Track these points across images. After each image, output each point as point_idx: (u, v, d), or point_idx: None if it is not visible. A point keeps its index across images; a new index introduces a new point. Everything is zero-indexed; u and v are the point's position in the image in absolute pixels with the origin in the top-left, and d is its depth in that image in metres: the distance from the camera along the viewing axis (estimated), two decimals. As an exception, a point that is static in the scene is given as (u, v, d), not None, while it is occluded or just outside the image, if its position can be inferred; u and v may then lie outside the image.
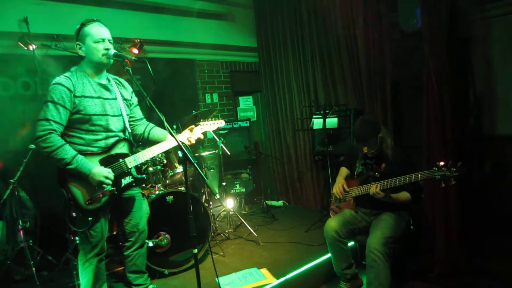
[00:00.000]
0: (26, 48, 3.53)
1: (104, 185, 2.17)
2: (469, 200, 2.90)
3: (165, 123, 1.99)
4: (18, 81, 3.74)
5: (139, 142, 2.65)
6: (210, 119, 2.62)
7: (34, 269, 2.97)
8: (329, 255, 2.80)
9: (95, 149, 2.21)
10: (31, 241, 3.20)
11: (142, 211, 2.50)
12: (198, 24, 5.10)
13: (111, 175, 2.19)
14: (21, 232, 3.08)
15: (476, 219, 2.92)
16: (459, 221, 2.88)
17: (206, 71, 5.36)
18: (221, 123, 2.65)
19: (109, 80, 2.35)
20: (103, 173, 2.15)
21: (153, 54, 4.65)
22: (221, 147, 4.02)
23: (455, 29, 2.88)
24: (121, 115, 2.34)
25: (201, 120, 2.59)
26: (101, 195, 2.18)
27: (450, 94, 2.87)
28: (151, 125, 2.59)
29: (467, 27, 3.09)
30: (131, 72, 2.12)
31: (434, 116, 2.95)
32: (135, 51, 4.28)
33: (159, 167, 3.32)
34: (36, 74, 3.54)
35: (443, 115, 2.90)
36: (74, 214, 2.34)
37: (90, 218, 2.18)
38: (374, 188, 2.48)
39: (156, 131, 2.54)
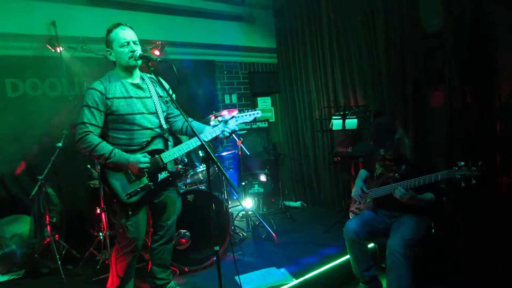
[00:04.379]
0: (53, 50, 3.69)
1: (144, 171, 2.25)
2: (495, 204, 2.83)
3: (188, 122, 2.03)
4: (46, 82, 3.89)
5: (178, 136, 2.67)
6: (245, 110, 2.55)
7: (60, 262, 3.09)
8: (348, 256, 2.79)
9: (134, 147, 2.30)
10: (57, 236, 3.32)
11: (175, 208, 2.57)
12: (218, 26, 5.16)
13: (146, 159, 2.25)
14: (48, 227, 3.21)
15: (500, 224, 2.84)
16: (484, 225, 2.81)
17: (225, 72, 5.42)
18: (258, 113, 2.51)
19: (143, 79, 2.42)
20: (139, 159, 2.22)
21: (174, 55, 4.74)
22: (241, 147, 4.05)
23: (478, 29, 2.81)
24: (156, 112, 2.40)
25: (238, 111, 2.53)
26: (139, 189, 2.26)
27: (473, 95, 2.81)
28: (190, 119, 2.60)
29: (491, 27, 3.01)
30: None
31: (456, 117, 2.90)
32: (157, 52, 4.39)
33: (180, 166, 3.38)
34: (62, 75, 3.67)
35: (465, 116, 2.84)
36: (114, 208, 2.38)
37: (130, 212, 2.27)
38: (399, 191, 2.45)
39: (195, 126, 2.55)
